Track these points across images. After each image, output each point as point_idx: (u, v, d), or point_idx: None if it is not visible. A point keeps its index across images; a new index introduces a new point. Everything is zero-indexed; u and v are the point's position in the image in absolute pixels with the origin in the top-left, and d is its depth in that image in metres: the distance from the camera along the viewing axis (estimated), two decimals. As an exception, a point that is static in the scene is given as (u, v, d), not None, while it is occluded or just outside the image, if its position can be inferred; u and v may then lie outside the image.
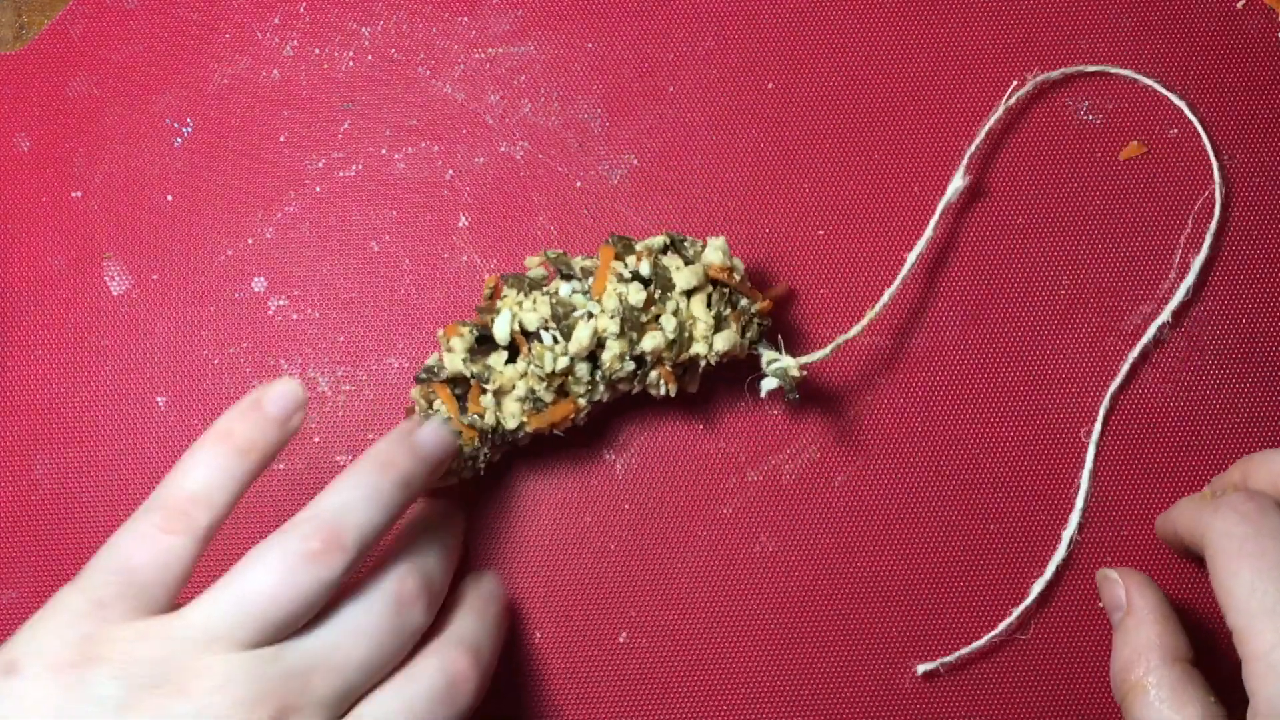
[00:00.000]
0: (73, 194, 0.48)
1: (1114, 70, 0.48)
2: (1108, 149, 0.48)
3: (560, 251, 0.44)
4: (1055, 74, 0.48)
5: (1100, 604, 0.43)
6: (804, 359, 0.43)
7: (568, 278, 0.43)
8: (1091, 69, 0.48)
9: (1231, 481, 0.41)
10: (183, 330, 0.47)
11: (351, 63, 0.49)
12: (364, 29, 0.49)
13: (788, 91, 0.49)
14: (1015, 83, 0.48)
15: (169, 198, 0.48)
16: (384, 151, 0.48)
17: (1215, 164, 0.48)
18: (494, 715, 0.45)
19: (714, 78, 0.49)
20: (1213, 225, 0.47)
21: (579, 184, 0.48)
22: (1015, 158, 0.48)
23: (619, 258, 0.43)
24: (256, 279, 0.48)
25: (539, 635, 0.45)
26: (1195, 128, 0.48)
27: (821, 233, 0.48)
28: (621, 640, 0.46)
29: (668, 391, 0.43)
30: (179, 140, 0.48)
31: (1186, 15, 0.49)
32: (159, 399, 0.47)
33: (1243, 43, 0.49)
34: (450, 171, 0.48)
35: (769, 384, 0.43)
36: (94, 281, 0.47)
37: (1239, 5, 0.49)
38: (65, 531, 0.46)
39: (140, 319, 0.47)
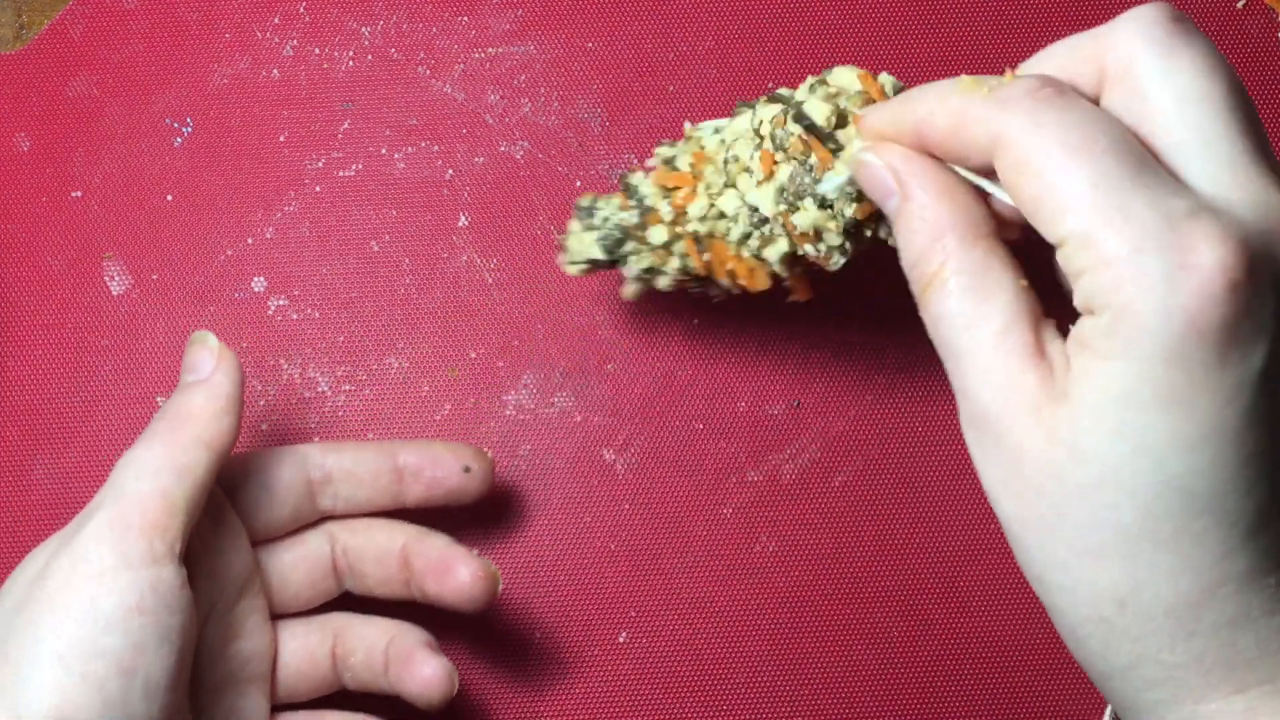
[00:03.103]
0: (73, 194, 0.48)
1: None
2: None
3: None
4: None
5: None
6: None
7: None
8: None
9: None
10: (183, 330, 0.47)
11: (351, 63, 0.49)
12: (364, 29, 0.49)
13: (788, 91, 0.49)
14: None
15: (169, 198, 0.48)
16: (384, 151, 0.48)
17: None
18: (493, 715, 0.45)
19: (714, 77, 0.49)
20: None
21: (579, 184, 0.48)
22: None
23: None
24: (256, 279, 0.48)
25: (539, 635, 0.45)
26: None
27: (821, 233, 0.48)
28: (621, 640, 0.46)
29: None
30: (179, 140, 0.48)
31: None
32: (159, 399, 0.47)
33: (1243, 43, 0.49)
34: (450, 171, 0.48)
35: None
36: (94, 281, 0.47)
37: (1239, 5, 0.49)
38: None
39: (140, 319, 0.47)
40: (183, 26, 0.49)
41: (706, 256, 0.39)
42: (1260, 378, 0.26)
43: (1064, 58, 0.31)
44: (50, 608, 0.34)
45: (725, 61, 0.49)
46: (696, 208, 0.39)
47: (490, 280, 0.48)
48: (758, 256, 0.38)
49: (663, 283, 0.41)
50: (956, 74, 0.48)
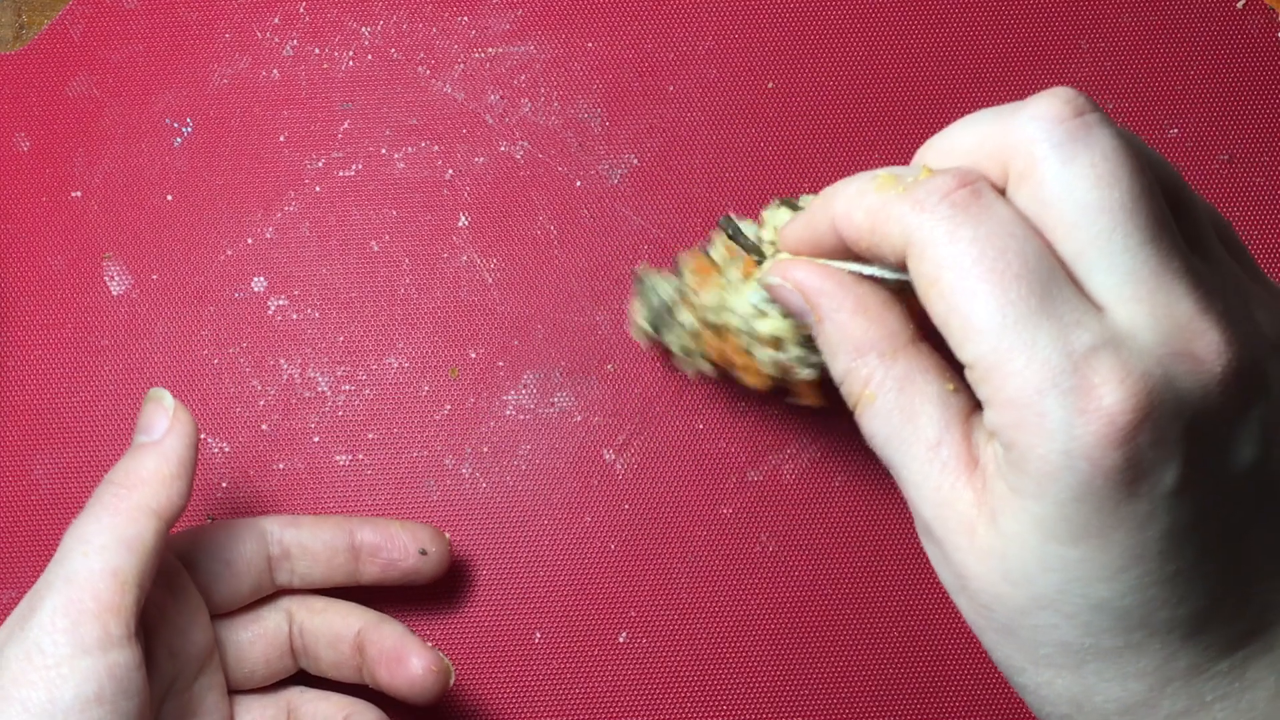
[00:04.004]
0: (73, 194, 0.48)
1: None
2: (1108, 149, 0.48)
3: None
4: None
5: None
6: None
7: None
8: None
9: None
10: (183, 330, 0.47)
11: (351, 63, 0.49)
12: (364, 29, 0.49)
13: (788, 91, 0.49)
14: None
15: (169, 198, 0.48)
16: (384, 151, 0.48)
17: (1215, 164, 0.48)
18: (494, 715, 0.45)
19: (714, 77, 0.49)
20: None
21: (579, 184, 0.48)
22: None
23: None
24: (256, 279, 0.48)
25: (539, 635, 0.45)
26: (1196, 127, 0.48)
27: (821, 233, 0.48)
28: (621, 640, 0.46)
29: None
30: (179, 140, 0.48)
31: (1187, 15, 0.49)
32: (159, 399, 0.47)
33: (1243, 43, 0.49)
34: (450, 171, 0.48)
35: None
36: (94, 281, 0.47)
37: (1239, 5, 0.49)
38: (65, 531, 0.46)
39: (140, 319, 0.47)
40: (183, 26, 0.49)
41: (719, 346, 0.39)
42: (1174, 499, 0.26)
43: (971, 149, 0.30)
44: (6, 702, 0.33)
45: (725, 61, 0.49)
46: (710, 297, 0.38)
47: (490, 280, 0.48)
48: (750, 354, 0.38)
49: (703, 366, 0.41)
50: (956, 74, 0.49)
